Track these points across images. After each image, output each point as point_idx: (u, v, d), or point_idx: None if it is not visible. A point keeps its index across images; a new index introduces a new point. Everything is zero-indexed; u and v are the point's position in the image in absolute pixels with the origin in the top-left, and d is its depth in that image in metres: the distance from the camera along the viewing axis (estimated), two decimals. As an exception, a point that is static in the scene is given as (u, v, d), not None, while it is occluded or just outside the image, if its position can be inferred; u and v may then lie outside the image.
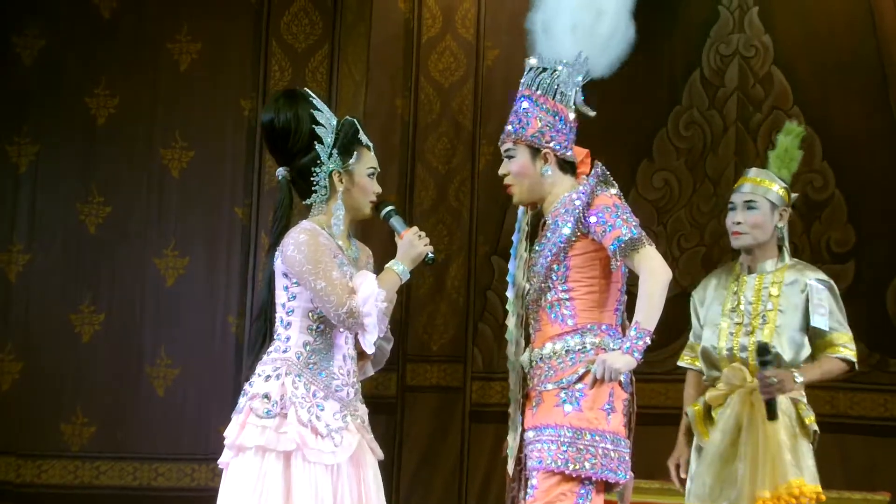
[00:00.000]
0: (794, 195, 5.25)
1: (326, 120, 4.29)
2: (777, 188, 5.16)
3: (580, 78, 4.36)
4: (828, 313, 5.04)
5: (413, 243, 4.26)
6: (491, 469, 8.02)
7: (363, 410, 4.30)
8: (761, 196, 5.12)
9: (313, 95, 4.32)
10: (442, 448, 8.29)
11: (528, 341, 4.36)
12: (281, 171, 4.32)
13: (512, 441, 4.31)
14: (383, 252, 4.54)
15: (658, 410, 7.57)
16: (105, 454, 7.74)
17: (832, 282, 5.15)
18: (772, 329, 5.02)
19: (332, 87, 7.86)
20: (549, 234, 4.30)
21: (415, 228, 4.30)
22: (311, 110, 4.28)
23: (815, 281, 5.07)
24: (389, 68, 8.46)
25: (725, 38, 8.37)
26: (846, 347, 5.06)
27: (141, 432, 7.74)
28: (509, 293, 4.43)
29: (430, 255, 4.29)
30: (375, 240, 4.95)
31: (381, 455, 4.33)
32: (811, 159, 8.15)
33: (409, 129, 8.54)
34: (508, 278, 4.44)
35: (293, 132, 4.25)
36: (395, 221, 4.32)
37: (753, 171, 5.25)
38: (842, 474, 7.70)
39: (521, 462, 4.31)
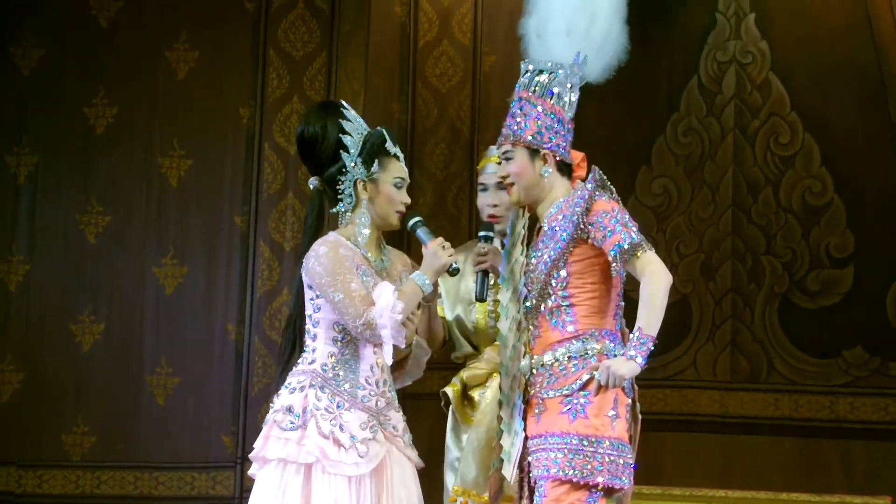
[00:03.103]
0: None
1: (355, 130, 4.35)
2: None
3: (577, 80, 4.36)
4: None
5: (437, 254, 4.31)
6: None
7: (396, 419, 4.35)
8: None
9: (347, 106, 4.41)
10: (443, 455, 8.25)
11: (526, 347, 4.35)
12: (313, 181, 4.40)
13: (508, 446, 4.28)
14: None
15: (658, 416, 7.59)
16: (106, 463, 7.72)
17: None
18: None
19: (331, 95, 7.84)
20: (546, 240, 4.28)
21: (440, 239, 4.35)
22: (341, 120, 4.35)
23: None
24: (386, 73, 8.44)
25: (722, 45, 8.36)
26: None
27: (141, 441, 7.73)
28: (501, 296, 4.43)
29: (454, 265, 4.33)
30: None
31: (419, 462, 4.36)
32: (810, 165, 8.16)
33: (406, 134, 8.51)
34: (500, 281, 4.44)
35: (320, 141, 4.33)
36: (422, 232, 4.38)
37: (494, 150, 4.88)
38: (843, 478, 7.72)
39: (523, 469, 4.29)
